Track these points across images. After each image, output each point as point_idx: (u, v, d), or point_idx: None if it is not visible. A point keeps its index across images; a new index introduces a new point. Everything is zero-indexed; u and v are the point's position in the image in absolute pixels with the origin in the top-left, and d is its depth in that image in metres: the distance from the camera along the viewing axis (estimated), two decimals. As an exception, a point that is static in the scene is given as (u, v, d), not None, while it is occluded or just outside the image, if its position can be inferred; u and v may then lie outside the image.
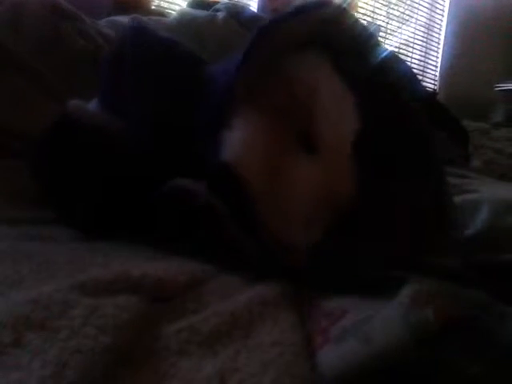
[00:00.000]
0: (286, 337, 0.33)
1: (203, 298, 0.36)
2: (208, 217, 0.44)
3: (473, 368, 0.29)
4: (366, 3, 2.95)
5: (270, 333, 0.33)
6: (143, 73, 0.54)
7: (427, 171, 0.47)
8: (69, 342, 0.26)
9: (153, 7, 1.76)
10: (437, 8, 3.36)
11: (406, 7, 3.21)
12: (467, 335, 0.31)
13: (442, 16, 3.38)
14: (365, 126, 0.44)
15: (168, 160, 0.47)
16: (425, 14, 3.31)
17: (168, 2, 2.08)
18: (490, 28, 2.99)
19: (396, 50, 3.03)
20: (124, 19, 1.23)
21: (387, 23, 3.11)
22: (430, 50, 3.35)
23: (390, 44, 3.05)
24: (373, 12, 3.01)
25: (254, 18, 1.46)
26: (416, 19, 3.26)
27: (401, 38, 3.18)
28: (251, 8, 1.99)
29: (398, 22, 3.18)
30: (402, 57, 2.84)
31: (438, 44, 3.38)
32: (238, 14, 1.43)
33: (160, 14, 1.64)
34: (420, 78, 3.08)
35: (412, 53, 3.26)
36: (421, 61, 3.30)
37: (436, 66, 3.37)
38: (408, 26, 3.23)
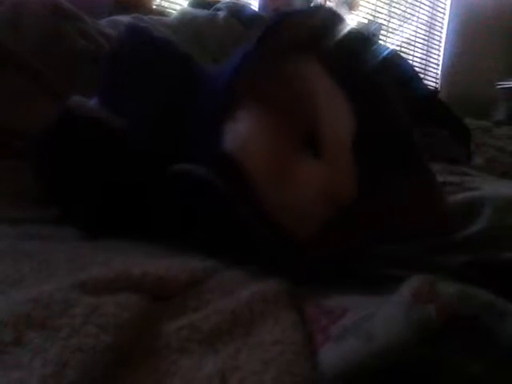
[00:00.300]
0: (286, 335, 0.33)
1: (204, 296, 0.36)
2: (213, 197, 0.44)
3: (473, 367, 0.29)
4: (368, 2, 2.94)
5: (271, 331, 0.33)
6: (138, 71, 0.55)
7: (411, 160, 0.49)
8: (70, 341, 0.26)
9: (154, 6, 1.76)
10: (438, 6, 3.35)
11: (408, 6, 3.21)
12: (468, 334, 0.31)
13: (444, 14, 3.37)
14: (358, 126, 0.45)
15: (166, 155, 0.47)
16: (426, 13, 3.30)
17: (169, 2, 2.08)
18: (492, 26, 2.99)
19: (398, 48, 3.02)
20: (125, 19, 1.23)
21: (389, 22, 3.10)
22: (432, 48, 3.35)
23: (391, 42, 3.04)
24: (374, 10, 3.00)
25: (254, 16, 1.46)
26: (417, 18, 3.26)
27: (402, 37, 3.18)
28: (252, 7, 1.99)
29: (399, 20, 3.18)
30: (404, 55, 2.83)
31: (440, 42, 3.37)
32: (238, 13, 1.43)
33: (161, 13, 1.64)
34: (422, 76, 3.07)
35: (414, 51, 3.25)
36: (422, 59, 3.30)
37: (437, 65, 3.37)
38: (409, 24, 3.22)
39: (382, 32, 2.97)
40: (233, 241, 0.44)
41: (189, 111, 0.49)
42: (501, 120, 2.44)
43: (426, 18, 3.30)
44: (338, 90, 0.47)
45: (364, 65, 0.50)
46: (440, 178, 0.57)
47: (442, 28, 3.37)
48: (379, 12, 3.04)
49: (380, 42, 2.55)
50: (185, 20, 1.37)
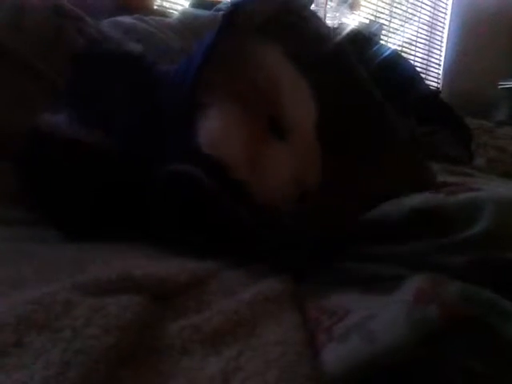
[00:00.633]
0: (289, 336, 0.33)
1: (205, 297, 0.36)
2: (205, 194, 0.45)
3: (476, 367, 0.29)
4: (369, 2, 2.94)
5: (273, 332, 0.33)
6: (97, 82, 0.56)
7: (384, 131, 0.51)
8: (71, 343, 0.26)
9: (155, 7, 1.76)
10: (440, 6, 3.35)
11: (409, 6, 3.20)
12: (470, 334, 0.31)
13: (445, 14, 3.37)
14: (321, 109, 0.48)
15: (142, 158, 0.48)
16: (428, 13, 3.30)
17: (170, 2, 2.08)
18: (493, 26, 2.98)
19: (399, 48, 3.02)
20: (126, 19, 1.23)
21: (390, 22, 3.10)
22: (433, 48, 3.35)
23: (393, 42, 3.04)
24: (376, 11, 3.00)
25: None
26: (419, 17, 3.26)
27: (404, 37, 3.17)
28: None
29: (401, 20, 3.18)
30: (405, 55, 2.83)
31: (441, 42, 3.37)
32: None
33: (162, 13, 1.64)
34: (423, 76, 3.07)
35: (415, 51, 3.25)
36: (424, 59, 3.30)
37: (439, 65, 3.37)
38: (411, 24, 3.22)
39: (384, 32, 2.96)
40: (227, 237, 0.45)
41: (153, 110, 0.50)
42: (502, 120, 2.43)
43: (427, 18, 3.30)
44: (299, 75, 0.48)
45: (329, 46, 0.52)
46: (441, 178, 0.57)
47: (443, 28, 3.37)
48: (381, 12, 3.04)
49: (381, 42, 2.55)
50: (186, 21, 1.36)
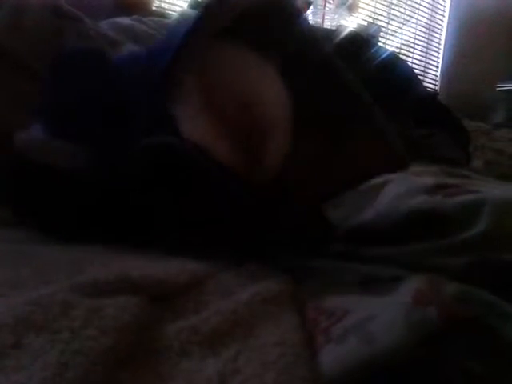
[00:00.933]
0: (287, 337, 0.33)
1: (203, 298, 0.36)
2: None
3: (475, 368, 0.29)
4: (368, 4, 2.94)
5: (272, 333, 0.33)
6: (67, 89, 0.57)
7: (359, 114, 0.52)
8: (70, 344, 0.26)
9: (153, 8, 1.76)
10: (438, 8, 3.35)
11: (407, 8, 3.21)
12: (469, 335, 0.31)
13: (443, 16, 3.37)
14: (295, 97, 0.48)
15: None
16: (426, 15, 3.31)
17: (169, 4, 2.08)
18: (492, 28, 2.99)
19: (397, 50, 3.02)
20: (125, 20, 1.23)
21: (388, 24, 3.10)
22: (431, 50, 3.35)
23: (391, 44, 3.04)
24: (374, 13, 3.00)
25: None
26: (417, 20, 3.26)
27: (402, 39, 3.18)
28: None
29: (398, 22, 3.18)
30: (403, 57, 2.83)
31: (439, 44, 3.37)
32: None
33: (161, 15, 1.64)
34: (421, 78, 3.07)
35: (413, 53, 3.25)
36: (422, 61, 3.30)
37: (437, 67, 3.37)
38: (409, 26, 3.22)
39: (382, 34, 2.97)
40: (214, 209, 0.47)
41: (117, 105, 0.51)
42: (500, 122, 2.44)
43: (425, 20, 3.30)
44: (267, 68, 0.49)
45: (315, 48, 0.52)
46: (439, 180, 0.57)
47: (441, 30, 3.37)
48: (379, 14, 3.04)
49: (379, 44, 2.55)
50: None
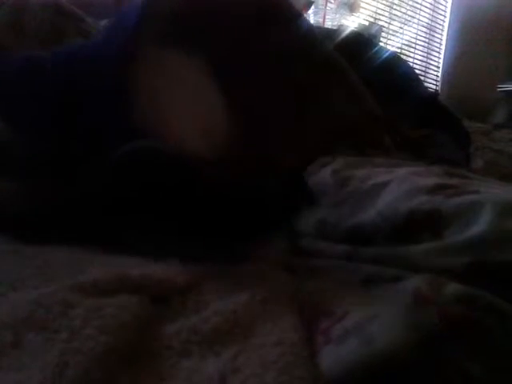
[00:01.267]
0: (286, 337, 0.33)
1: (203, 298, 0.36)
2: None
3: (474, 369, 0.29)
4: (369, 4, 2.94)
5: (271, 333, 0.33)
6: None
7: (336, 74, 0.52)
8: (69, 343, 0.26)
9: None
10: (439, 9, 3.36)
11: (409, 8, 3.21)
12: (469, 336, 0.31)
13: (444, 17, 3.37)
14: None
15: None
16: (427, 15, 3.31)
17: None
18: (492, 29, 2.99)
19: (398, 50, 3.02)
20: (126, 19, 1.22)
21: (389, 24, 3.10)
22: (432, 50, 3.35)
23: (392, 44, 3.04)
24: (375, 13, 3.00)
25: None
26: (418, 20, 3.26)
27: (403, 39, 3.18)
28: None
29: (400, 22, 3.18)
30: (404, 57, 2.83)
31: (440, 45, 3.37)
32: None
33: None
34: (422, 78, 3.07)
35: (414, 53, 3.25)
36: (423, 61, 3.30)
37: (438, 67, 3.37)
38: (410, 26, 3.22)
39: (383, 34, 2.97)
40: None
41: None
42: (500, 123, 2.44)
43: (426, 21, 3.31)
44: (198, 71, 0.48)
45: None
46: (439, 181, 0.57)
47: (442, 30, 3.37)
48: (380, 14, 3.04)
49: (381, 44, 2.55)
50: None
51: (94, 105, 0.50)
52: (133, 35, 0.47)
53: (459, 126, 1.38)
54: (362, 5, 2.84)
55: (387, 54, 1.36)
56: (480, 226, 0.45)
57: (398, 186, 0.58)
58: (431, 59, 3.35)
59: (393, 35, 3.13)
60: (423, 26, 3.30)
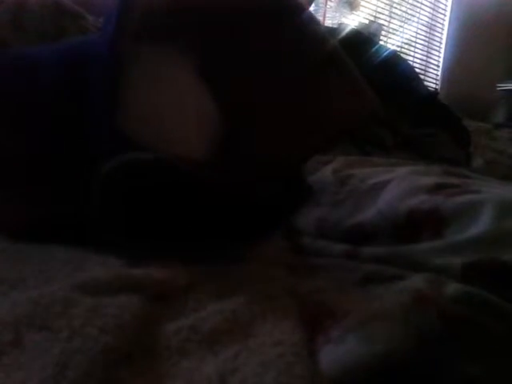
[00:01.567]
0: (286, 337, 0.33)
1: (203, 297, 0.36)
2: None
3: (473, 369, 0.29)
4: (369, 2, 2.94)
5: (271, 333, 0.33)
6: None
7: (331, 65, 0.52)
8: (70, 342, 0.26)
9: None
10: (439, 7, 3.35)
11: (409, 7, 3.21)
12: (469, 335, 0.31)
13: (444, 16, 3.37)
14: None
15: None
16: (427, 14, 3.30)
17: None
18: (493, 28, 2.99)
19: (398, 49, 3.02)
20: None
21: (389, 22, 3.10)
22: (432, 49, 3.35)
23: (392, 43, 3.04)
24: (375, 11, 3.00)
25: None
26: (418, 19, 3.26)
27: (403, 38, 3.18)
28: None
29: (400, 21, 3.18)
30: (404, 56, 2.83)
31: (440, 43, 3.37)
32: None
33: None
34: (422, 77, 3.07)
35: (414, 52, 3.25)
36: (423, 60, 3.30)
37: (438, 66, 3.37)
38: (410, 25, 3.22)
39: (383, 32, 2.96)
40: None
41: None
42: (500, 122, 2.44)
43: (426, 19, 3.30)
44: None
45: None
46: (439, 180, 0.57)
47: (442, 29, 3.37)
48: (380, 12, 3.04)
49: (381, 42, 2.55)
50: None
51: (83, 106, 0.49)
52: (115, 31, 0.47)
53: (459, 125, 1.38)
54: (362, 3, 2.84)
55: (387, 52, 1.36)
56: (480, 225, 0.45)
57: (398, 185, 0.58)
58: (431, 58, 3.35)
59: (393, 34, 3.13)
60: (423, 25, 3.29)
